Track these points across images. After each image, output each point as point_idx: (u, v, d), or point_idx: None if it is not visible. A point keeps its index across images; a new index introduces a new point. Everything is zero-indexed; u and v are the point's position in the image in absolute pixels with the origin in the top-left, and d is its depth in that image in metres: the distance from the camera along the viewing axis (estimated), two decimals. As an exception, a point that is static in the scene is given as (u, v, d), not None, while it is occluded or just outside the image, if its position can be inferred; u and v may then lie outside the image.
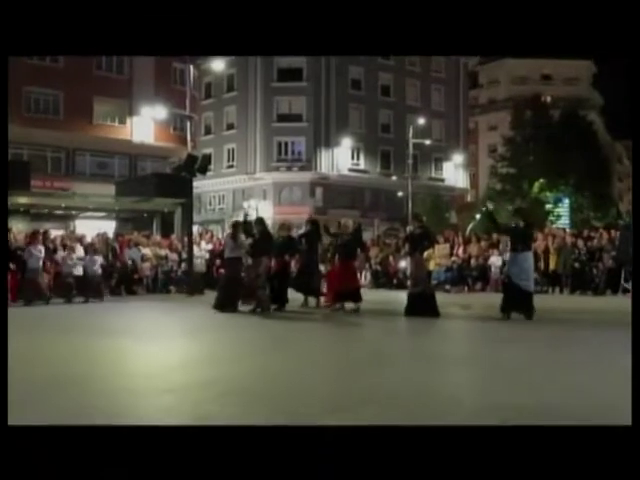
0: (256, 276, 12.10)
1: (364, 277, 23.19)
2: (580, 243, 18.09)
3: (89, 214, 26.00)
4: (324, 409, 5.09)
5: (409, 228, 12.60)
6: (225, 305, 11.99)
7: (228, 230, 13.79)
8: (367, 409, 5.07)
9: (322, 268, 14.08)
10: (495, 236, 18.92)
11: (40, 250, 14.03)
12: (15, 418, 4.85)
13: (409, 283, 12.04)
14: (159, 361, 7.62)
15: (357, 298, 12.20)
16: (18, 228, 18.17)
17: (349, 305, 12.27)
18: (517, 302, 10.52)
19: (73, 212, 25.41)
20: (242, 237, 12.75)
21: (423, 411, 4.83)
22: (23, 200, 23.89)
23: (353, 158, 49.57)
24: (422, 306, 11.01)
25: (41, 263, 14.11)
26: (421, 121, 46.60)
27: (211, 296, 13.21)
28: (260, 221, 13.28)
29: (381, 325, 10.95)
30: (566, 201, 44.59)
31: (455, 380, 6.20)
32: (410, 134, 44.09)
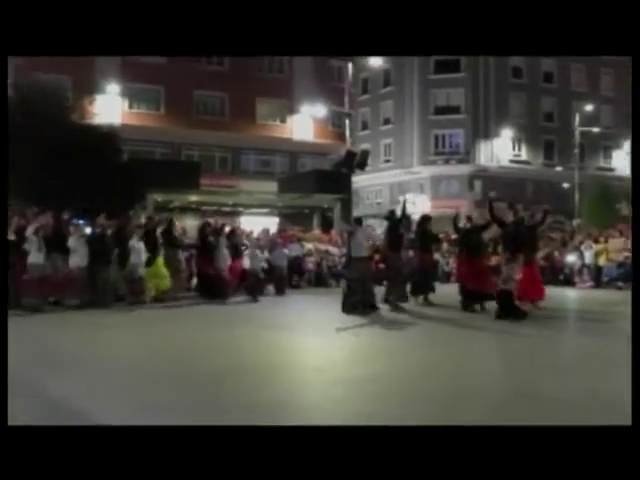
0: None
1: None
2: None
3: (253, 210, 27.15)
4: (488, 411, 4.97)
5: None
6: (356, 308, 11.41)
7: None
8: (528, 414, 4.91)
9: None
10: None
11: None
12: (194, 404, 5.19)
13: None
14: (327, 354, 7.84)
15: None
16: (191, 224, 19.35)
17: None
18: None
19: (239, 208, 26.68)
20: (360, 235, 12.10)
21: (586, 415, 4.61)
22: (194, 198, 25.49)
23: (514, 149, 47.78)
24: None
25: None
26: (588, 108, 43.95)
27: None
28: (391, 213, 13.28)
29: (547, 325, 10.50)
30: None
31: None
32: (576, 122, 41.74)
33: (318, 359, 7.54)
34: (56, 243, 12.50)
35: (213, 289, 13.98)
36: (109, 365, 7.05)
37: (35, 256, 12.02)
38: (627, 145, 50.40)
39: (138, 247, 13.50)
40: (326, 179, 26.11)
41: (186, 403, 5.30)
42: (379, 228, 30.31)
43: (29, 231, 12.09)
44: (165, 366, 6.94)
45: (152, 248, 13.73)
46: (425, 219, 14.14)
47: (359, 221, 12.97)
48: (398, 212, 13.32)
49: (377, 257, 18.27)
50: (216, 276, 14.07)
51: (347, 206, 20.71)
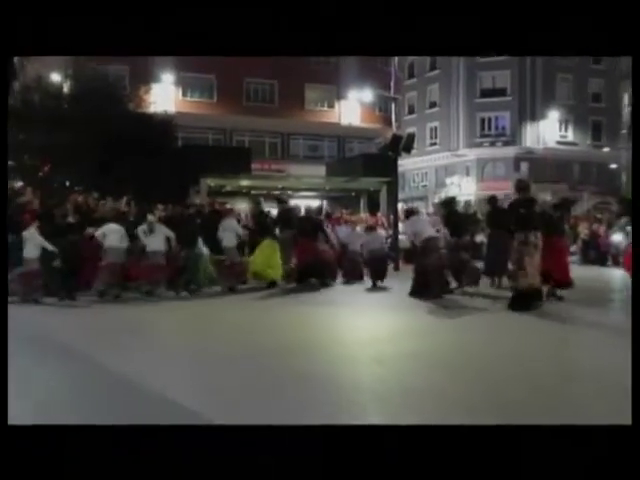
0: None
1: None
2: None
3: (302, 194, 27.25)
4: (527, 391, 4.97)
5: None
6: (421, 292, 10.82)
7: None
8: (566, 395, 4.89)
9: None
10: None
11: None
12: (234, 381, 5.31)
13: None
14: (371, 332, 7.91)
15: None
16: (244, 208, 19.43)
17: None
18: None
19: (288, 192, 26.81)
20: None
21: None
22: (245, 182, 25.72)
23: (561, 130, 46.58)
24: None
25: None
26: (637, 88, 42.56)
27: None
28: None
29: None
30: None
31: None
32: (625, 102, 40.55)
33: (363, 335, 7.62)
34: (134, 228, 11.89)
35: (318, 272, 13.07)
36: (171, 344, 7.27)
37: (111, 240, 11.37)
38: (677, 125, 48.70)
39: (231, 229, 12.52)
40: (373, 163, 26.01)
41: (243, 375, 5.47)
42: (423, 209, 30.09)
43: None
44: (229, 343, 7.15)
45: (263, 231, 12.93)
46: (493, 199, 13.19)
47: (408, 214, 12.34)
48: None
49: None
50: (321, 259, 13.19)
51: (393, 189, 20.55)
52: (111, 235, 11.36)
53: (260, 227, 13.15)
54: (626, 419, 3.19)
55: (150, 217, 11.91)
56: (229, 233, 12.40)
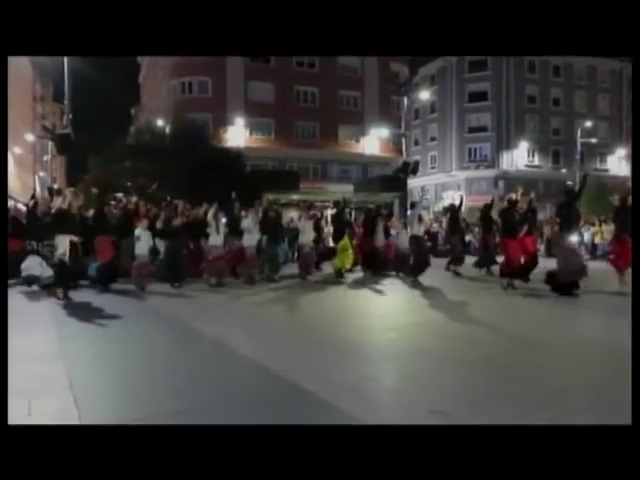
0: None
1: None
2: None
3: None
4: (493, 352, 4.77)
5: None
6: (420, 271, 10.33)
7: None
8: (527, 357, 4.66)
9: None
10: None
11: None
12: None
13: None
14: (386, 307, 7.77)
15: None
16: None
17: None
18: None
19: (326, 203, 26.70)
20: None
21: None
22: (295, 196, 25.74)
23: (529, 157, 45.52)
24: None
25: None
26: (588, 124, 41.15)
27: (438, 263, 12.12)
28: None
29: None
30: None
31: None
32: (578, 135, 39.24)
33: (380, 310, 7.49)
34: (232, 226, 11.03)
35: (375, 263, 12.30)
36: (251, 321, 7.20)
37: (214, 238, 10.23)
38: (619, 151, 46.99)
39: (306, 229, 11.82)
40: (388, 182, 25.81)
41: (292, 327, 5.39)
42: (427, 215, 29.61)
43: (210, 215, 10.41)
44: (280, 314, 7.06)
45: (342, 228, 12.10)
46: (486, 206, 12.56)
47: (412, 205, 11.83)
48: (456, 204, 13.05)
49: (426, 237, 17.87)
50: (377, 253, 12.47)
51: (403, 201, 20.38)
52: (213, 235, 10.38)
53: (337, 226, 12.43)
54: (626, 419, 2.51)
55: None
56: (304, 232, 11.94)
